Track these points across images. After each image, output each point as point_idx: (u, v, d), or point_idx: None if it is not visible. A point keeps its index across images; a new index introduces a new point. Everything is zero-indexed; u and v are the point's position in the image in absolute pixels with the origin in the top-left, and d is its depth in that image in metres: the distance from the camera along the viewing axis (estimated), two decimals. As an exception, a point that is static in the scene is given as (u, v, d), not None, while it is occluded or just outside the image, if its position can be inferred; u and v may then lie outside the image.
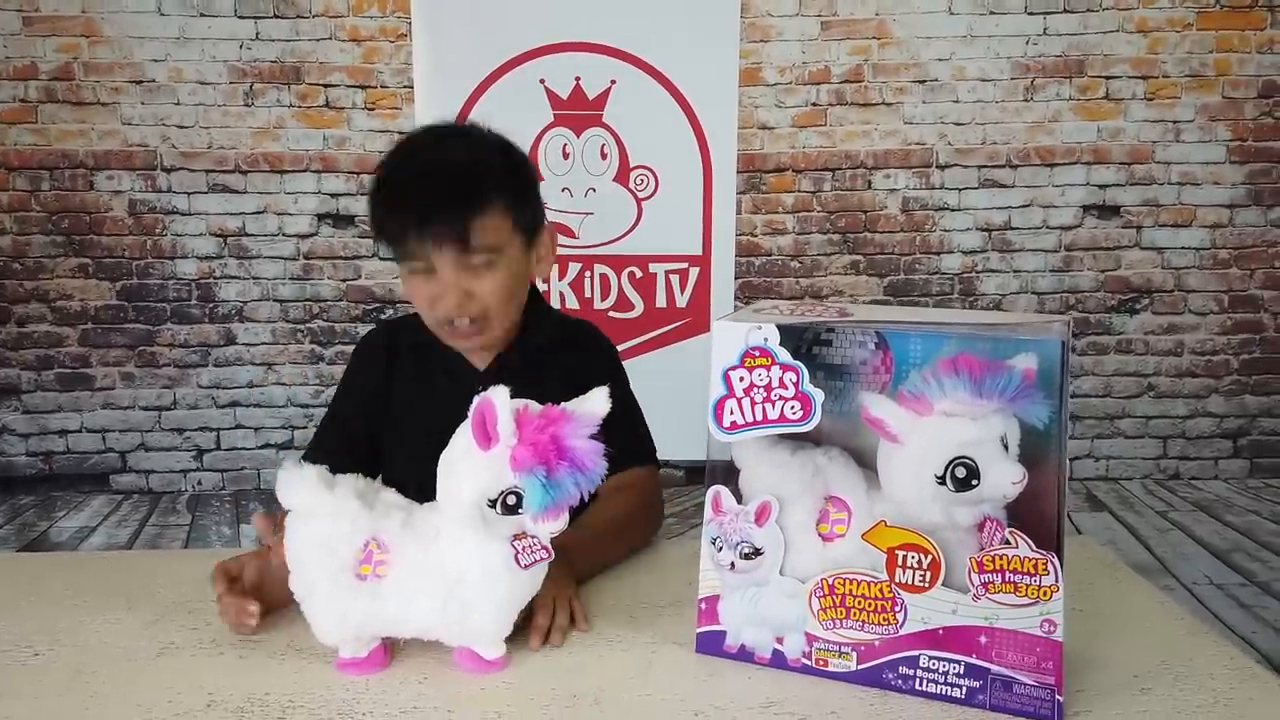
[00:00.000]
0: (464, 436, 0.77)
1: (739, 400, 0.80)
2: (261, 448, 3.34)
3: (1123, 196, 3.34)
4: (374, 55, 3.21)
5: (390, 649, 0.83)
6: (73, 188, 3.21)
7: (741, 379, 0.80)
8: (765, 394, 0.79)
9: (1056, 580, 0.72)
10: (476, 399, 0.75)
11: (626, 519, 1.07)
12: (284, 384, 3.34)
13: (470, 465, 0.76)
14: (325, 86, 3.21)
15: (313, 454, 1.15)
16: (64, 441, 3.32)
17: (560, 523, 0.77)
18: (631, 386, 1.19)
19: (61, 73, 3.16)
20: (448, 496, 0.78)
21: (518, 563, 0.78)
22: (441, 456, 0.79)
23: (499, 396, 0.74)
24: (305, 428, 3.34)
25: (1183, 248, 3.36)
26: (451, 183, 1.02)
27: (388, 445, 1.16)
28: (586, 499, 0.76)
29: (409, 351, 1.16)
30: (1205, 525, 2.95)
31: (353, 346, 3.52)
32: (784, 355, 0.78)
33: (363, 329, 3.32)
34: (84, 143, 3.19)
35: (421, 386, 1.14)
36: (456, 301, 1.03)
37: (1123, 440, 3.44)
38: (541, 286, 1.25)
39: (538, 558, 0.80)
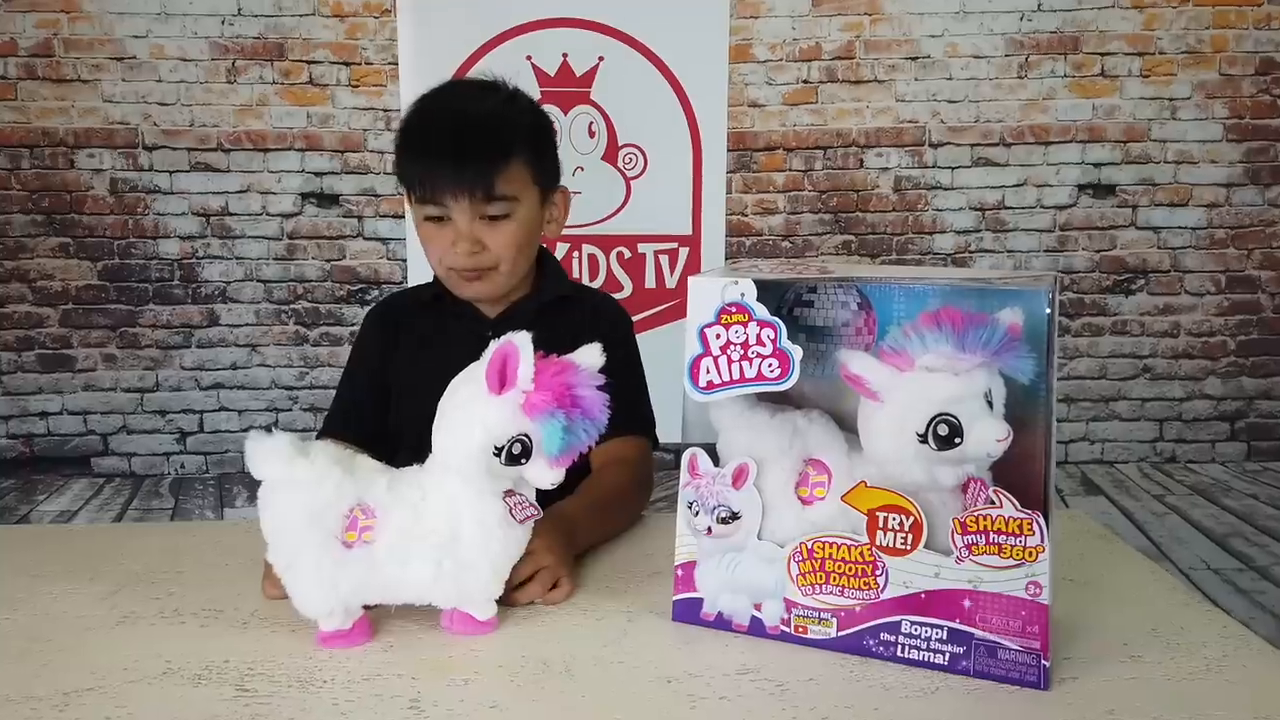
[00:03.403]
0: (468, 383, 0.76)
1: (715, 359, 0.78)
2: (245, 430, 3.26)
3: (1118, 175, 3.31)
4: (358, 31, 3.16)
5: (373, 621, 0.81)
6: (53, 166, 3.17)
7: (718, 336, 0.77)
8: (742, 351, 0.77)
9: (1042, 541, 0.69)
10: (495, 343, 0.74)
11: (621, 495, 1.07)
12: (268, 366, 3.31)
13: (481, 410, 0.75)
14: (309, 63, 3.17)
15: (328, 429, 1.16)
16: (45, 424, 3.29)
17: (561, 473, 0.77)
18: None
19: (41, 49, 3.11)
20: (449, 444, 0.77)
21: (513, 517, 0.78)
22: (440, 405, 0.78)
23: (523, 341, 0.74)
24: (290, 410, 3.32)
25: (1179, 227, 3.34)
26: (476, 133, 1.05)
27: (399, 406, 1.16)
28: (593, 446, 0.77)
29: (415, 312, 1.19)
30: (1202, 509, 2.93)
31: (337, 327, 3.50)
32: (761, 311, 0.76)
33: (348, 310, 3.29)
34: (64, 120, 3.15)
35: (431, 337, 1.15)
36: (468, 250, 1.05)
37: (1118, 423, 3.43)
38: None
39: (530, 513, 0.79)
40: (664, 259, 3.16)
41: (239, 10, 3.13)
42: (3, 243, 3.20)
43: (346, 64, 3.17)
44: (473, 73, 2.96)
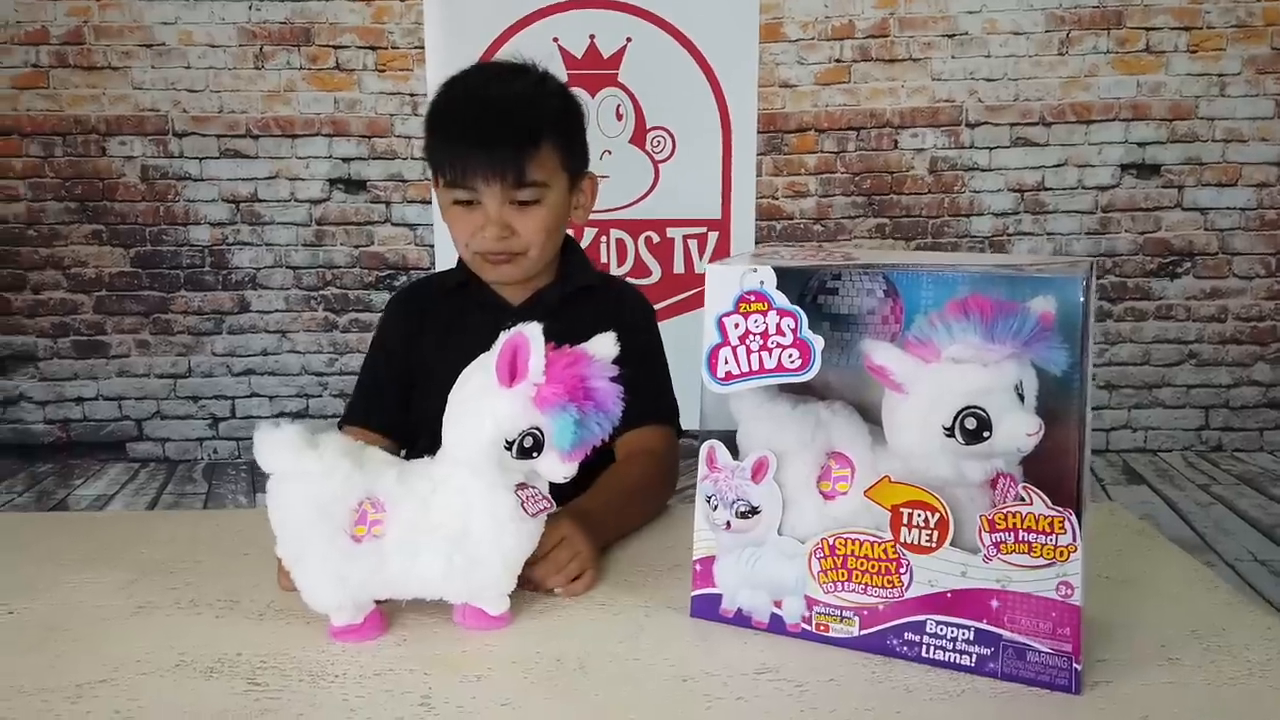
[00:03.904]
0: (479, 374, 0.75)
1: (734, 349, 0.75)
2: (276, 416, 3.33)
3: (1163, 155, 3.21)
4: (384, 15, 3.16)
5: (386, 615, 0.80)
6: (85, 153, 3.21)
7: (736, 325, 0.75)
8: (761, 341, 0.74)
9: (1074, 539, 0.66)
10: (505, 334, 0.73)
11: (647, 485, 1.06)
12: (298, 352, 3.34)
13: (491, 402, 0.74)
14: (335, 48, 3.17)
15: (349, 418, 1.15)
16: (80, 409, 3.34)
17: (574, 467, 0.75)
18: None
19: (72, 37, 3.14)
20: (459, 436, 0.76)
21: (525, 511, 0.77)
22: (450, 396, 0.77)
23: (534, 332, 0.72)
24: (320, 396, 3.34)
25: (1227, 208, 3.23)
26: (507, 117, 1.04)
27: (421, 393, 1.15)
28: (607, 440, 0.75)
29: (440, 299, 1.18)
30: (1249, 499, 2.84)
31: (366, 314, 3.52)
32: (781, 299, 0.73)
33: (376, 296, 3.30)
34: (96, 108, 3.19)
35: (455, 323, 1.14)
36: (497, 234, 1.05)
37: (1162, 410, 3.34)
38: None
39: (542, 506, 0.78)
40: (693, 243, 3.11)
41: (265, -5, 3.14)
42: (38, 230, 3.25)
43: (373, 48, 3.17)
44: (500, 55, 2.94)
